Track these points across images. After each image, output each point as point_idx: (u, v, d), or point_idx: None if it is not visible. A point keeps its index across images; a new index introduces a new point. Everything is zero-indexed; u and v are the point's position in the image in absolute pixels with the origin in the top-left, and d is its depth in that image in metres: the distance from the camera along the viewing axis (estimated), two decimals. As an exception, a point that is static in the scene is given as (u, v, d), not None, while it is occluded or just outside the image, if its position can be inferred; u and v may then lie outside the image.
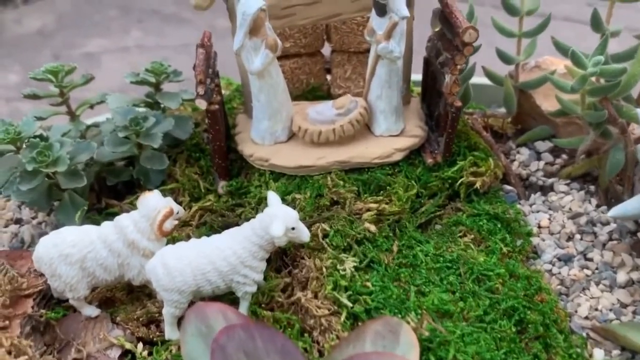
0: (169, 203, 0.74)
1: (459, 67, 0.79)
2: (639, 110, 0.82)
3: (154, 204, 0.72)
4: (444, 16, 0.84)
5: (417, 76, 0.99)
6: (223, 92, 1.12)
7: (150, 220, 0.72)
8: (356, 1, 0.84)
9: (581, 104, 0.86)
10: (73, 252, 0.71)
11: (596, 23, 0.89)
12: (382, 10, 0.77)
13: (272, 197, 0.72)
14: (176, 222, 0.74)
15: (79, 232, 0.72)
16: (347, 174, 0.85)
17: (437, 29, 0.88)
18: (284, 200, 0.82)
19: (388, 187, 0.83)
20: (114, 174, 0.91)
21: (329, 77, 1.04)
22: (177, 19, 3.04)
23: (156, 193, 0.75)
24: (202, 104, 0.80)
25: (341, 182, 0.82)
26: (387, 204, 0.82)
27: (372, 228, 0.78)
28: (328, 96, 1.00)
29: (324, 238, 0.76)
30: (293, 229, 0.69)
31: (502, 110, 1.14)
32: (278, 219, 0.67)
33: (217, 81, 0.91)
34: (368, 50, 0.94)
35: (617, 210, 0.78)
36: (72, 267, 0.71)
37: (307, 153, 0.85)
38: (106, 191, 0.94)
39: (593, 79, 0.85)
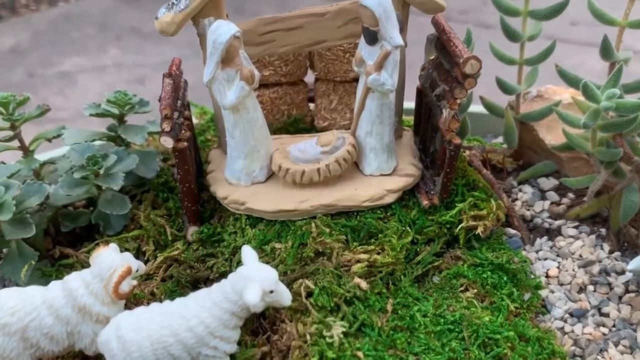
0: (126, 260, 0.64)
1: (458, 101, 0.71)
2: (657, 148, 0.74)
3: (108, 262, 0.62)
4: (440, 43, 0.76)
5: (408, 104, 0.90)
6: (196, 121, 1.02)
7: (104, 281, 0.62)
8: (343, 27, 0.75)
9: (591, 140, 0.77)
10: (12, 322, 0.60)
11: (606, 51, 0.81)
12: (372, 39, 0.68)
13: (247, 253, 0.62)
14: (135, 282, 0.64)
15: (21, 296, 0.62)
16: (333, 218, 0.75)
17: (432, 57, 0.80)
18: (262, 251, 0.73)
19: (380, 235, 0.74)
20: (70, 218, 0.81)
21: (312, 105, 0.95)
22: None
23: (112, 248, 0.65)
24: (167, 143, 0.70)
25: (327, 230, 0.73)
26: (379, 254, 0.72)
27: (363, 285, 0.68)
28: (311, 128, 0.91)
29: (307, 297, 0.66)
30: (271, 292, 0.59)
31: (500, 140, 1.06)
32: (254, 283, 0.58)
33: (188, 113, 0.81)
34: (355, 80, 0.86)
35: (636, 263, 0.69)
36: (10, 339, 0.60)
37: (289, 195, 0.76)
38: (63, 234, 0.84)
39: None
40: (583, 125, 0.72)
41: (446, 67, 0.74)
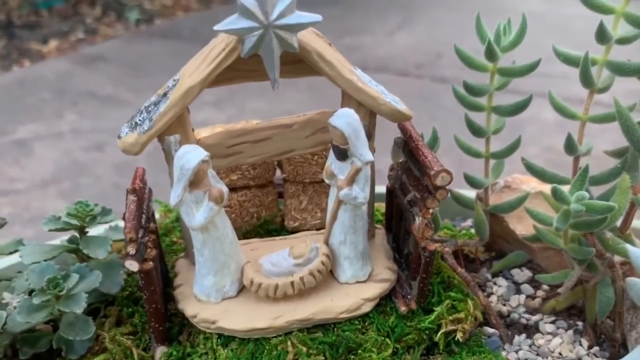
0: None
1: (431, 210, 0.70)
2: (628, 246, 0.74)
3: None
4: (408, 149, 0.75)
5: (379, 188, 0.89)
6: (160, 220, 0.99)
7: None
8: (310, 136, 0.75)
9: (563, 237, 0.78)
10: None
11: (571, 147, 0.82)
12: (343, 156, 0.67)
13: (223, 393, 0.58)
14: None
15: None
16: (309, 332, 0.73)
17: (400, 160, 0.79)
18: (236, 376, 0.69)
19: (359, 350, 0.71)
20: (29, 343, 0.76)
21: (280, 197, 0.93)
22: (114, 100, 2.91)
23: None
24: (133, 266, 0.67)
25: (304, 349, 0.70)
26: (358, 371, 0.70)
27: (345, 411, 0.65)
28: (281, 229, 0.89)
29: None
30: None
31: (469, 223, 1.06)
32: None
33: (153, 226, 0.78)
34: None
35: (619, 369, 0.68)
36: None
37: (262, 311, 0.73)
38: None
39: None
40: (555, 229, 0.73)
41: (416, 173, 0.74)
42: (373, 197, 0.78)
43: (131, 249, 0.67)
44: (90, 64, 3.43)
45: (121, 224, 0.89)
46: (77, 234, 0.83)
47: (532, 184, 0.92)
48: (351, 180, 0.68)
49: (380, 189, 0.88)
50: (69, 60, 3.48)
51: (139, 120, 0.68)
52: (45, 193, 2.11)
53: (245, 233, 0.87)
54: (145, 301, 0.72)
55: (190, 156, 0.63)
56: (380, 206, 0.96)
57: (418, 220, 0.72)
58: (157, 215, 1.00)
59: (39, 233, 1.80)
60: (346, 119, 0.64)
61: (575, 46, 0.82)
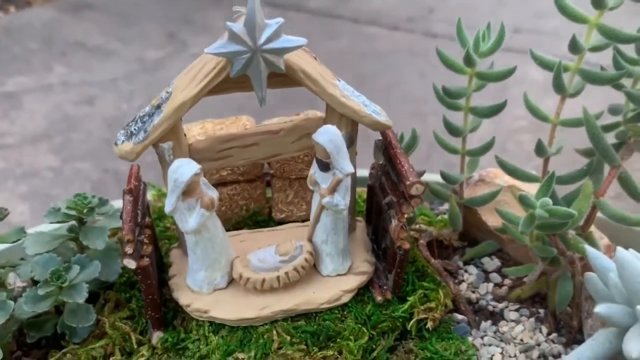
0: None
1: (406, 215, 0.76)
2: (587, 247, 0.81)
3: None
4: (388, 154, 0.80)
5: (362, 172, 0.94)
6: (154, 204, 1.04)
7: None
8: (296, 141, 0.79)
9: (529, 236, 0.84)
10: None
11: (540, 149, 0.87)
12: (325, 168, 0.72)
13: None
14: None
15: None
16: (293, 321, 0.80)
17: (380, 162, 0.84)
18: (225, 362, 0.76)
19: (338, 338, 0.79)
20: (35, 328, 0.82)
21: (268, 192, 0.98)
22: (104, 51, 2.90)
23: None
24: (130, 264, 0.73)
25: (288, 338, 0.77)
26: (337, 358, 0.77)
27: (323, 396, 0.73)
28: (269, 220, 0.95)
29: (271, 414, 0.71)
30: None
31: (447, 207, 1.12)
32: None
33: (148, 220, 0.83)
34: (310, 177, 0.89)
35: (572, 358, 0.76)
36: None
37: (250, 302, 0.79)
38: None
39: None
40: (521, 232, 0.79)
41: (394, 178, 0.79)
42: (354, 197, 0.84)
43: (129, 249, 0.73)
44: (77, 11, 3.38)
45: (117, 204, 0.94)
46: (76, 224, 0.88)
47: (505, 178, 0.98)
48: (333, 190, 0.73)
49: (364, 172, 0.93)
50: (55, 8, 3.41)
51: (135, 130, 0.72)
52: (36, 148, 2.13)
53: (234, 224, 0.93)
54: (142, 292, 0.78)
55: (183, 170, 0.67)
56: (363, 191, 1.02)
57: (394, 222, 0.78)
58: (150, 199, 1.05)
59: (32, 189, 1.84)
60: (328, 136, 0.69)
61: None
